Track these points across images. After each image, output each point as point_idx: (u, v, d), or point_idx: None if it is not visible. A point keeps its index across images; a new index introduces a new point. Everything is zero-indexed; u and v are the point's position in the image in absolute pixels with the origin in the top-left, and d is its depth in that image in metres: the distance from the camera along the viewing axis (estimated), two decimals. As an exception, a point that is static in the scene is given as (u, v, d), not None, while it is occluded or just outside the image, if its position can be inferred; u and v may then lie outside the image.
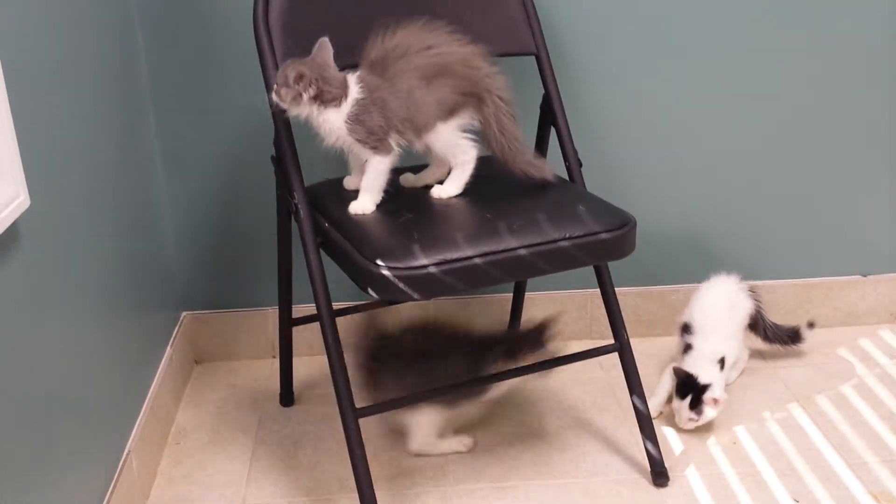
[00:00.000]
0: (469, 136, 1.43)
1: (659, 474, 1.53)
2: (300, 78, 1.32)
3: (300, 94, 1.33)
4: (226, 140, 1.79)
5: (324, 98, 1.34)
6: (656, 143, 1.87)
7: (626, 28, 1.78)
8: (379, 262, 1.25)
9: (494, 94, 1.42)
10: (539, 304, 1.94)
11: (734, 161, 1.90)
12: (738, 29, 1.80)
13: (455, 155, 1.43)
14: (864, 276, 2.02)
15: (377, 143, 1.37)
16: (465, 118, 1.42)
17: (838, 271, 2.01)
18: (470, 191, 1.45)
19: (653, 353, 1.89)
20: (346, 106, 1.36)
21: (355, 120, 1.36)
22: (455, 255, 1.27)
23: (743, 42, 1.81)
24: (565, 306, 1.96)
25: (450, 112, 1.40)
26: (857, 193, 1.96)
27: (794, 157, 1.91)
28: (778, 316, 1.90)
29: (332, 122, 1.36)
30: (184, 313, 1.90)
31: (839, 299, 2.03)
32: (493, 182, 1.45)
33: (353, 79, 1.37)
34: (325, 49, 1.37)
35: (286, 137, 1.44)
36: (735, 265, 1.84)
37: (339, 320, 1.42)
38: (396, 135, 1.38)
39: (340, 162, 1.50)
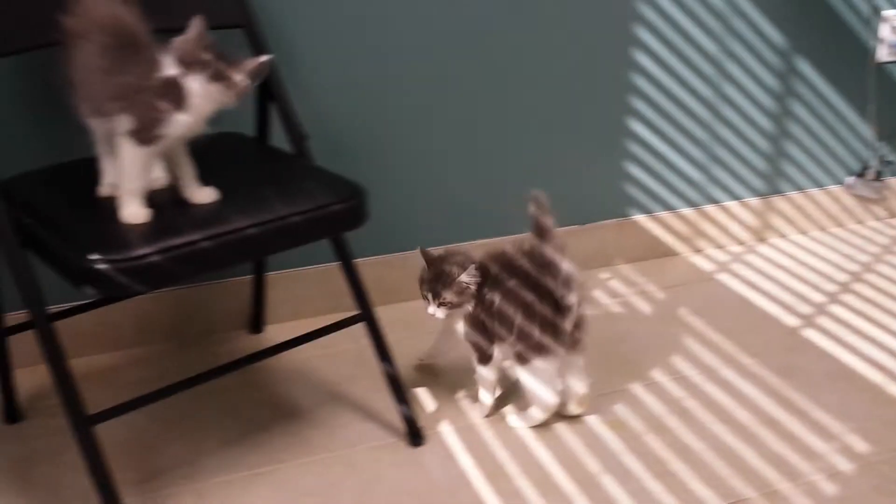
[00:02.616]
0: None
1: (415, 434, 1.56)
2: None
3: None
4: None
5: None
6: (378, 110, 1.89)
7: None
8: (93, 256, 1.15)
9: None
10: (281, 283, 1.90)
11: (461, 127, 1.96)
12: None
13: None
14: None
15: None
16: None
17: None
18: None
19: (399, 318, 1.91)
20: None
21: None
22: (178, 241, 1.20)
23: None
24: (308, 282, 1.93)
25: None
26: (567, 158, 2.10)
27: (507, 118, 2.01)
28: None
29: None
30: None
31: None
32: (214, 161, 1.38)
33: None
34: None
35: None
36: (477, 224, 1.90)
37: (65, 323, 1.30)
38: None
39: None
